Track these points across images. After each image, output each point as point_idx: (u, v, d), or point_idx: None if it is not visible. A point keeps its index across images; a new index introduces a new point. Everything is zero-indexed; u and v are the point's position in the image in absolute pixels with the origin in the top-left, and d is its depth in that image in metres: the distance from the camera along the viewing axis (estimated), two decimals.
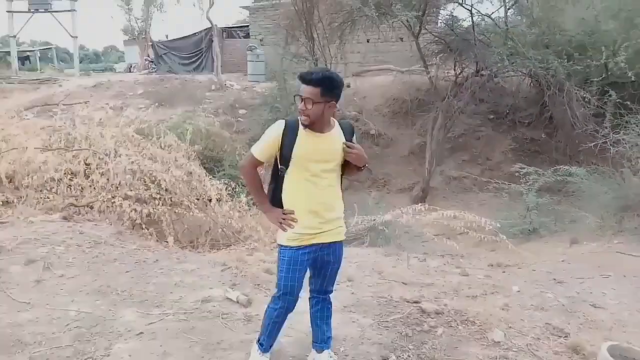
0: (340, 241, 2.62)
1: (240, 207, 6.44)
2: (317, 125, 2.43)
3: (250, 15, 20.11)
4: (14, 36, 23.65)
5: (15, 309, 3.27)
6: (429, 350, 3.04)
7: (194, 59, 21.19)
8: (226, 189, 6.60)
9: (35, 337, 2.93)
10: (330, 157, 2.47)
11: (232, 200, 6.54)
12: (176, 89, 16.09)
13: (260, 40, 18.70)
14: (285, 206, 2.51)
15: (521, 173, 8.14)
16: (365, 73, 16.56)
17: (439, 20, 13.37)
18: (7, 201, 5.67)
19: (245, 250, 5.24)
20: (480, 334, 3.24)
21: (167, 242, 5.54)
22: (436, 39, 11.92)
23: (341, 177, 2.59)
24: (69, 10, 23.18)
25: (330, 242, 2.54)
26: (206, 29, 20.20)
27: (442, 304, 3.68)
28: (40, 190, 5.86)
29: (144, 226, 5.59)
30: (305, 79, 2.38)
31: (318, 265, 2.57)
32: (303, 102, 2.37)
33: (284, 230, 2.49)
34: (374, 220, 7.06)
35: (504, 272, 4.85)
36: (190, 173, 6.78)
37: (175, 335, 3.00)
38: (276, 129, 2.45)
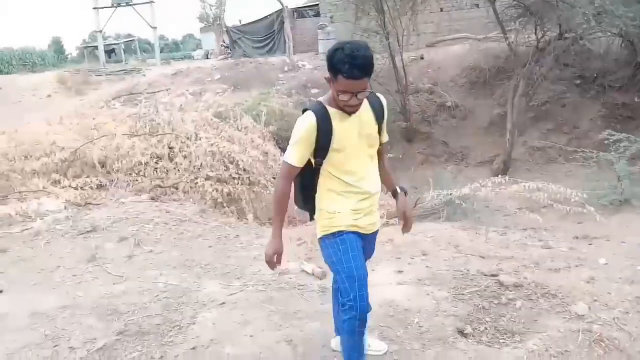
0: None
1: None
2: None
3: None
4: (100, 31, 25.13)
5: (111, 282, 3.58)
6: (507, 322, 2.98)
7: (266, 42, 21.50)
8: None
9: (128, 306, 3.21)
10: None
11: None
12: (251, 72, 16.46)
13: (331, 17, 18.63)
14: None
15: (611, 140, 7.60)
16: (439, 43, 16.03)
17: None
18: (100, 184, 6.15)
19: None
20: (562, 307, 3.11)
21: (247, 219, 5.78)
22: (514, 2, 11.28)
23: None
24: (147, 2, 24.25)
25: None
26: (277, 10, 20.40)
27: (521, 277, 3.56)
28: (129, 174, 6.29)
29: (225, 204, 5.87)
30: (360, 74, 2.08)
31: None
32: (355, 96, 2.14)
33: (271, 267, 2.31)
34: (451, 194, 6.90)
35: (590, 244, 4.60)
36: (266, 153, 6.99)
37: (255, 305, 3.15)
38: (310, 126, 2.16)
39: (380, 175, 2.37)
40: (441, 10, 16.39)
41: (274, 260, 2.27)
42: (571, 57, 11.58)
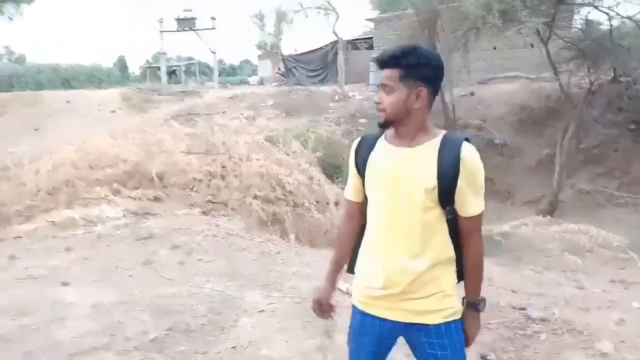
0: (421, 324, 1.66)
1: None
2: (399, 127, 1.63)
3: (374, 27, 20.58)
4: (164, 53, 26.59)
5: (163, 284, 3.93)
6: (530, 353, 3.10)
7: (320, 71, 22.18)
8: (343, 193, 7.04)
9: (178, 306, 3.53)
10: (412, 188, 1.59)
11: None
12: (303, 100, 17.03)
13: (384, 51, 19.06)
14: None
15: None
16: (490, 81, 16.13)
17: (573, 26, 12.69)
18: (157, 197, 6.61)
19: None
20: (586, 343, 3.20)
21: (289, 239, 6.07)
22: (568, 44, 11.34)
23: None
24: (210, 29, 25.54)
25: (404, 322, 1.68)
26: (332, 42, 21.06)
27: (549, 312, 3.66)
28: (184, 189, 6.74)
29: (269, 223, 6.18)
30: (381, 59, 1.62)
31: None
32: (380, 92, 1.63)
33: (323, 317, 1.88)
34: (491, 230, 6.98)
35: (626, 288, 4.62)
36: (312, 178, 7.30)
37: (291, 315, 3.41)
38: (351, 150, 1.79)
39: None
40: (494, 48, 16.51)
41: (316, 307, 1.87)
42: (625, 102, 11.44)
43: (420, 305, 1.64)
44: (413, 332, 1.68)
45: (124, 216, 5.89)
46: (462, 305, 1.70)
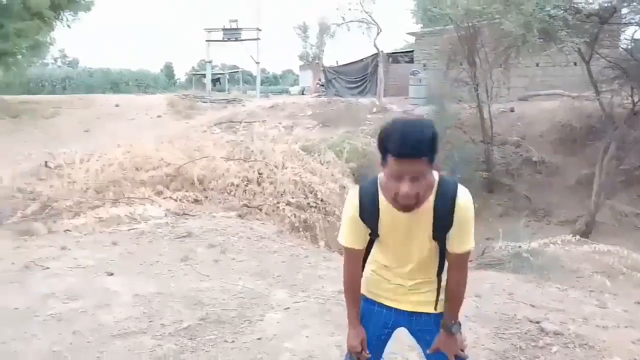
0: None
1: None
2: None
3: (416, 41, 20.74)
4: (210, 61, 27.44)
5: (198, 279, 4.25)
6: None
7: (359, 83, 22.43)
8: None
9: (211, 300, 3.83)
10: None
11: None
12: (341, 110, 17.28)
13: (424, 65, 19.18)
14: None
15: None
16: (532, 97, 16.01)
17: (620, 45, 12.52)
18: (196, 199, 7.00)
19: None
20: (597, 358, 3.30)
21: (318, 245, 6.33)
22: (612, 64, 11.21)
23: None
24: (254, 39, 26.25)
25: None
26: (373, 54, 21.30)
27: (565, 327, 3.75)
28: (222, 192, 7.11)
29: (300, 229, 6.47)
30: (405, 153, 1.57)
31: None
32: (406, 182, 1.62)
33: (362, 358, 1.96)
34: (520, 247, 7.01)
35: None
36: (344, 187, 7.55)
37: (314, 314, 3.65)
38: (351, 202, 1.84)
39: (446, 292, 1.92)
40: (537, 65, 16.39)
41: (360, 349, 1.94)
42: None
43: (422, 297, 1.93)
44: (414, 320, 1.96)
45: (165, 216, 6.29)
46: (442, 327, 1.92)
